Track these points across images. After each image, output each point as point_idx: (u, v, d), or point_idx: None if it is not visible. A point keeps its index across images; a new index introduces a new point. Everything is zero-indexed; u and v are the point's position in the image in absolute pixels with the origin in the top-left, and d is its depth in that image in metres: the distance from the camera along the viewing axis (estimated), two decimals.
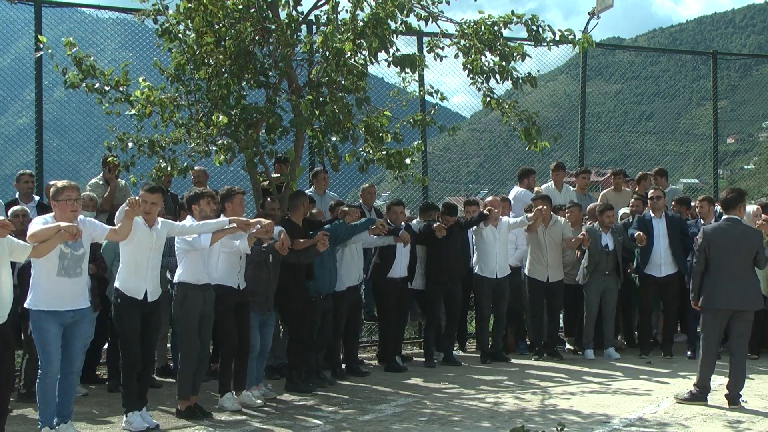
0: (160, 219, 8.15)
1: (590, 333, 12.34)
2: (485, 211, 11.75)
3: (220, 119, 9.43)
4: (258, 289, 9.26)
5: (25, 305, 7.39)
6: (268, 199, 10.10)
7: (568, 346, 12.95)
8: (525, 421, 8.12)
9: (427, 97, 11.57)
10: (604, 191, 14.47)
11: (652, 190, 12.71)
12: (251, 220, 8.52)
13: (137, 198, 7.63)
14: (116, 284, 8.06)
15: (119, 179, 11.20)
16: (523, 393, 9.72)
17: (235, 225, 8.31)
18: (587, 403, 9.13)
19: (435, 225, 11.33)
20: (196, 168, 11.27)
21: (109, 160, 10.50)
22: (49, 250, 7.14)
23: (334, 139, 10.43)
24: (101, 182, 11.23)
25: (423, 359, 11.84)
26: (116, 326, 8.29)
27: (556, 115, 19.51)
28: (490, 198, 12.51)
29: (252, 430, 8.12)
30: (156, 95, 9.84)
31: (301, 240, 9.67)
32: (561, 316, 13.25)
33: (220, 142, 10.20)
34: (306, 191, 12.24)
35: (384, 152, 10.47)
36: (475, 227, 11.89)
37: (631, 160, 18.70)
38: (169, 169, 10.20)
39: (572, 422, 8.18)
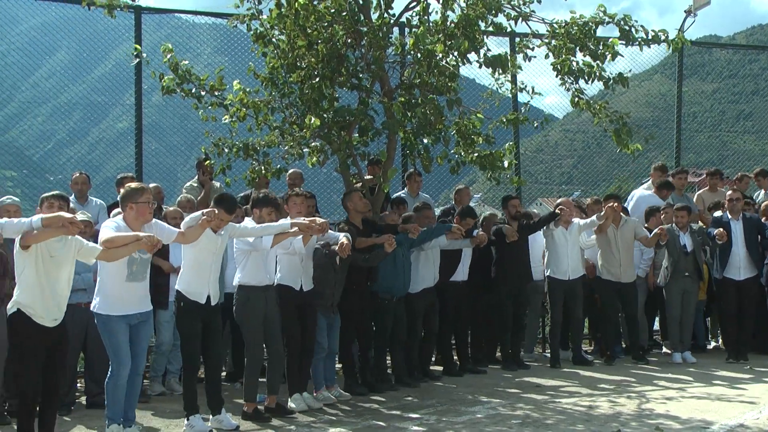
0: None
1: (675, 335, 12.09)
2: (557, 211, 11.61)
3: (313, 122, 9.53)
4: (325, 292, 9.31)
5: (93, 309, 7.43)
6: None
7: (665, 349, 12.71)
8: (621, 425, 8.00)
9: (520, 97, 11.48)
10: (700, 192, 14.16)
11: (729, 192, 12.39)
12: (301, 221, 8.39)
13: (216, 211, 7.58)
14: (178, 287, 8.07)
15: (214, 182, 11.38)
16: (618, 397, 9.56)
17: (296, 228, 8.27)
18: (685, 407, 8.93)
19: (505, 228, 11.23)
20: (291, 171, 11.42)
21: (205, 164, 10.71)
22: (121, 257, 7.09)
23: (425, 140, 10.44)
24: (196, 185, 11.44)
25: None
26: (178, 329, 8.34)
27: (650, 114, 19.22)
28: (561, 199, 12.31)
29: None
30: (250, 98, 10.00)
31: (365, 239, 9.65)
32: (656, 318, 13.02)
33: (313, 144, 10.31)
34: (399, 193, 12.32)
35: (476, 154, 10.45)
36: (545, 229, 11.75)
37: (729, 161, 18.28)
38: (263, 171, 10.35)
39: (669, 427, 8.02)
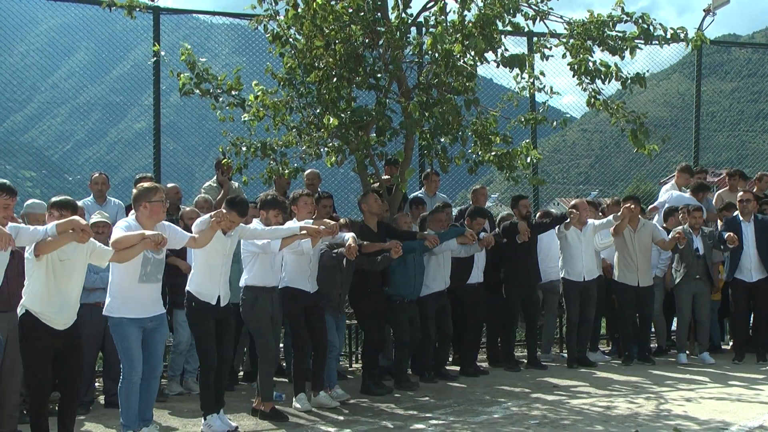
0: None
1: (684, 337, 12.06)
2: (568, 213, 11.56)
3: (330, 122, 9.54)
4: (331, 293, 9.34)
5: (104, 312, 7.34)
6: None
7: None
8: (638, 426, 7.97)
9: (537, 96, 11.46)
10: (720, 192, 14.08)
11: (741, 193, 12.32)
12: (320, 227, 8.38)
13: (224, 212, 7.54)
14: (189, 288, 8.01)
15: (232, 181, 11.41)
16: (636, 397, 9.53)
17: (305, 232, 8.26)
18: (703, 408, 8.88)
19: (519, 225, 11.17)
20: (308, 171, 11.44)
21: (222, 162, 10.74)
22: (131, 257, 7.01)
23: (443, 140, 10.44)
24: (215, 185, 11.48)
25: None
26: (191, 330, 8.33)
27: (668, 114, 19.15)
28: (575, 200, 12.24)
29: (364, 430, 8.17)
30: (268, 99, 10.02)
31: (372, 244, 9.60)
32: (674, 319, 12.95)
33: (330, 144, 10.32)
34: (417, 193, 12.32)
35: (493, 153, 10.43)
36: (559, 230, 11.70)
37: (748, 160, 18.19)
38: (280, 170, 10.38)
39: (688, 428, 7.98)
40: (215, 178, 11.54)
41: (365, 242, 9.53)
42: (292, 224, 8.45)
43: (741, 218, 11.98)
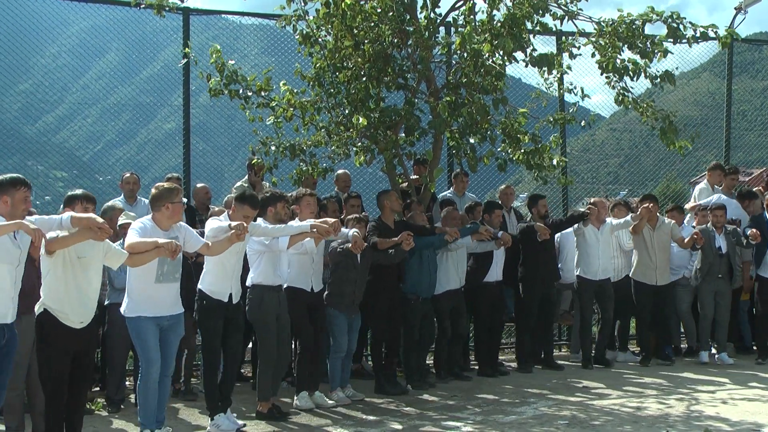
0: None
1: (706, 336, 11.96)
2: (586, 210, 11.49)
3: (360, 121, 9.56)
4: (345, 291, 9.29)
5: (122, 311, 7.34)
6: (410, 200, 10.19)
7: (713, 350, 12.56)
8: (669, 427, 7.93)
9: (567, 97, 11.42)
10: (755, 189, 13.92)
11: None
12: (315, 222, 8.39)
13: (245, 225, 7.50)
14: (201, 286, 8.03)
15: (264, 182, 11.45)
16: (667, 398, 9.47)
17: (315, 230, 8.22)
18: (735, 409, 8.82)
19: (537, 225, 11.09)
20: (340, 172, 11.47)
21: (253, 162, 10.78)
22: (144, 263, 6.98)
23: (472, 140, 10.43)
24: (246, 185, 11.51)
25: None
26: (200, 328, 8.33)
27: (699, 113, 19.00)
28: (594, 198, 12.14)
29: (390, 430, 8.18)
30: (296, 99, 10.06)
31: (386, 240, 9.59)
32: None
33: (359, 144, 10.34)
34: (446, 193, 12.31)
35: (522, 151, 10.42)
36: (576, 228, 11.63)
37: None
38: (309, 171, 10.41)
39: (719, 429, 7.93)
40: (246, 177, 11.56)
41: (380, 239, 9.53)
42: (303, 223, 8.42)
43: None
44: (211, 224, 7.82)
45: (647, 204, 11.50)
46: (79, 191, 7.13)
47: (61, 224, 6.26)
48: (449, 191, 12.51)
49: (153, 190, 7.36)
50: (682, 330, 12.77)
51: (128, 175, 10.87)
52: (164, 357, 7.34)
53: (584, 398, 9.56)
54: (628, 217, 11.68)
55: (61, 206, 7.09)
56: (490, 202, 11.48)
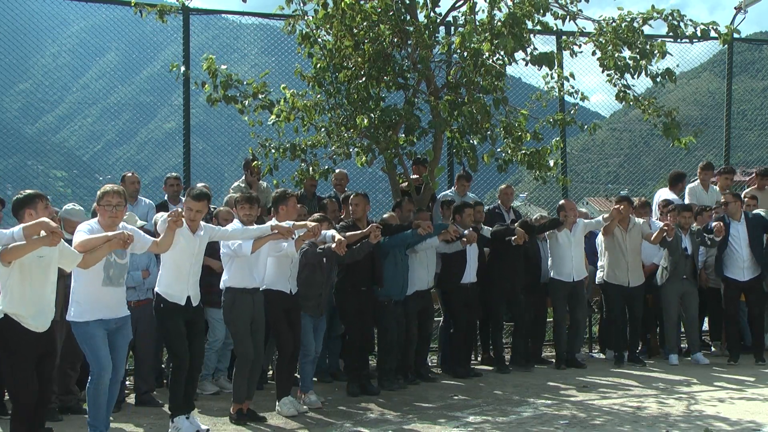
0: (202, 223, 7.93)
1: (672, 337, 11.95)
2: (561, 218, 11.44)
3: (363, 122, 9.55)
4: (311, 293, 9.11)
5: (68, 318, 7.18)
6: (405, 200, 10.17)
7: (713, 349, 12.58)
8: (669, 426, 7.93)
9: (567, 97, 11.42)
10: (747, 190, 13.95)
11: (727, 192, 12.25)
12: (297, 224, 8.37)
13: (180, 210, 7.40)
14: (157, 289, 7.89)
15: (261, 182, 11.44)
16: (667, 397, 9.47)
17: (276, 231, 8.14)
18: (735, 409, 8.83)
19: (515, 227, 11.03)
20: (336, 171, 11.46)
21: (253, 165, 10.77)
22: (97, 261, 6.88)
23: (472, 139, 10.42)
24: (243, 185, 11.50)
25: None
26: (161, 331, 8.28)
27: (699, 113, 19.01)
28: (563, 201, 11.98)
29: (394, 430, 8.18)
30: (299, 101, 10.05)
31: (354, 233, 9.42)
32: (705, 319, 12.86)
33: (360, 144, 10.33)
34: (446, 192, 12.30)
35: (523, 152, 10.41)
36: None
37: None
38: (310, 172, 10.40)
39: (719, 429, 7.93)
40: (243, 178, 11.56)
41: (348, 232, 9.40)
42: (264, 225, 8.35)
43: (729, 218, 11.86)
44: (159, 221, 7.75)
45: (618, 206, 11.47)
46: (30, 191, 6.89)
47: (14, 238, 6.19)
48: (450, 191, 12.51)
49: (98, 192, 7.21)
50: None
51: (129, 174, 10.85)
52: (113, 361, 7.18)
53: (585, 397, 9.55)
54: (600, 218, 11.68)
55: (22, 209, 6.76)
56: (463, 202, 11.34)
